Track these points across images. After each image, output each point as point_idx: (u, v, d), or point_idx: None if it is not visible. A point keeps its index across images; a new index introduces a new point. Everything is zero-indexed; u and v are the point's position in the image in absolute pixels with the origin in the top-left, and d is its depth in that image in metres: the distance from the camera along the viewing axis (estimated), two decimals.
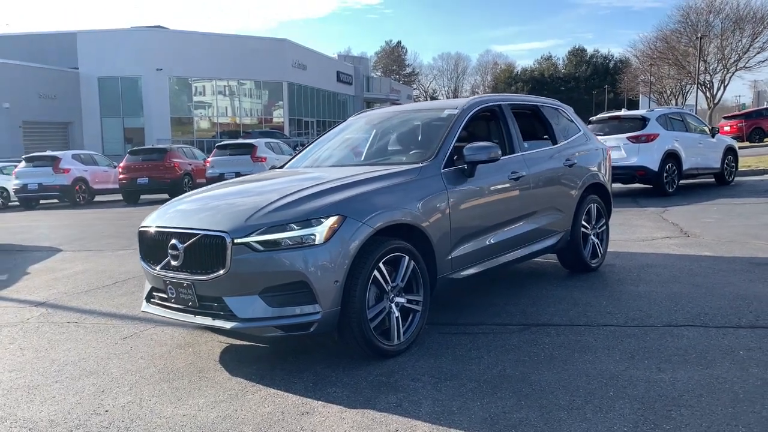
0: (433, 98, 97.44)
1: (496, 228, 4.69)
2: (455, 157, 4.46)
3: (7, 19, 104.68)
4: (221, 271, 3.47)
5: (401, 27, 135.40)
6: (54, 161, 18.02)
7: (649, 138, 11.67)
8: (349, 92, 53.59)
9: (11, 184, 18.30)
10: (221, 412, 3.13)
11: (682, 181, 12.46)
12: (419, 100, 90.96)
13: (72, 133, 37.04)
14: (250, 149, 17.42)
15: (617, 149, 11.79)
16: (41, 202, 18.89)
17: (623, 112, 12.94)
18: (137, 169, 17.77)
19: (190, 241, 3.61)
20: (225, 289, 3.51)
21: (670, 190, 11.81)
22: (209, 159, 17.93)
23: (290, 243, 3.45)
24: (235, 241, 3.44)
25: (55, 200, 19.05)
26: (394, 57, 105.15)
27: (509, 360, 3.66)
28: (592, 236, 5.84)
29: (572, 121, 6.11)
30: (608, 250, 6.61)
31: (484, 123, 5.32)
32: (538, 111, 5.71)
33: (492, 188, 4.67)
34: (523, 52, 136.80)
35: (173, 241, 3.69)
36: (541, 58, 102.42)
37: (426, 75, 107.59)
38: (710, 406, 2.93)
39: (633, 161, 11.64)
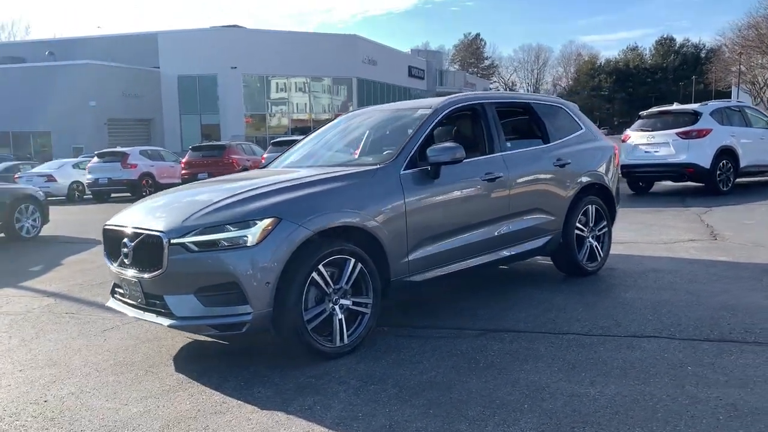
0: (511, 90, 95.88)
1: (466, 230, 4.59)
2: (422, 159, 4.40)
3: (99, 21, 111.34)
4: (159, 270, 3.59)
5: (482, 19, 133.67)
6: (122, 157, 19.01)
7: (701, 133, 11.04)
8: (421, 87, 53.48)
9: (85, 178, 19.44)
10: (144, 407, 3.25)
11: (741, 179, 11.73)
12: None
13: (153, 130, 38.90)
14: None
15: (666, 146, 11.27)
16: (113, 195, 19.96)
17: (675, 107, 12.28)
18: (198, 165, 18.54)
19: (137, 240, 3.76)
20: (164, 287, 3.63)
21: (725, 189, 11.13)
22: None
23: (226, 244, 3.53)
24: (172, 241, 3.55)
25: (128, 193, 20.04)
26: (472, 50, 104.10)
27: (446, 366, 3.59)
28: (590, 239, 5.62)
29: (574, 119, 5.88)
30: (620, 252, 6.39)
31: (465, 122, 5.21)
32: (529, 109, 5.54)
33: (460, 190, 4.58)
34: (611, 42, 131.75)
35: (125, 240, 3.85)
36: (627, 48, 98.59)
37: (506, 67, 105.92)
38: (620, 424, 2.78)
39: (682, 158, 11.05)
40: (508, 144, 5.16)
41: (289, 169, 4.96)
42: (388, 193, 4.13)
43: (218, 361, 3.91)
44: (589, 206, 5.60)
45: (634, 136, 11.93)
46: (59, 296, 5.99)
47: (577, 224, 5.49)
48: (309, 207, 3.75)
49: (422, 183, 4.34)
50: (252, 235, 3.52)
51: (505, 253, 4.94)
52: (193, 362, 3.92)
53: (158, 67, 38.73)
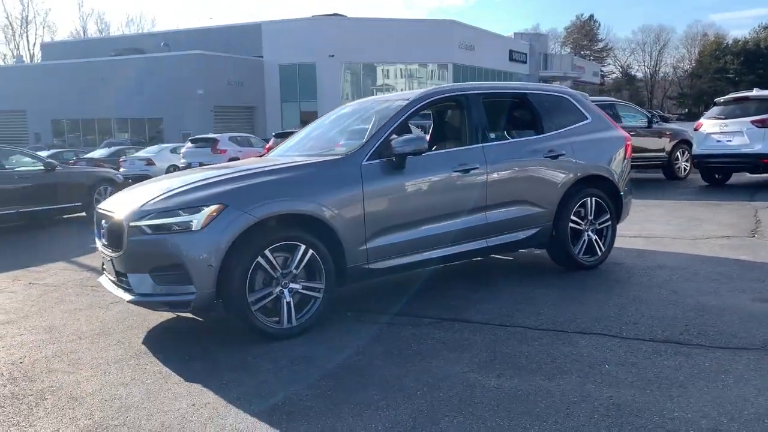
0: (626, 74, 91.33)
1: (433, 221, 4.65)
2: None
3: (211, 12, 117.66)
4: (121, 251, 3.97)
5: (598, 1, 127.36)
6: (213, 143, 20.16)
7: None
8: (523, 71, 52.21)
9: (180, 162, 20.81)
10: (92, 373, 3.63)
11: None
12: (608, 78, 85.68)
13: (256, 117, 40.69)
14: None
15: (739, 134, 10.54)
16: None
17: (754, 92, 11.38)
18: None
19: (109, 222, 4.16)
20: (127, 266, 4.01)
21: None
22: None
23: (176, 228, 3.84)
24: (130, 224, 3.91)
25: None
26: (584, 32, 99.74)
27: (376, 352, 3.73)
28: (589, 232, 5.48)
29: (579, 108, 5.71)
30: (639, 247, 6.22)
31: (447, 114, 5.24)
32: (523, 99, 5.46)
33: (427, 181, 4.64)
34: (743, 20, 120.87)
35: (102, 221, 4.27)
36: (759, 27, 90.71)
37: (622, 50, 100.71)
38: (492, 415, 2.82)
39: (757, 148, 10.28)
40: (492, 135, 5.14)
41: (275, 158, 5.21)
42: (345, 183, 4.28)
43: (184, 337, 4.26)
44: (588, 199, 5.45)
45: (707, 124, 11.21)
46: (97, 271, 6.61)
47: (573, 217, 5.37)
48: (257, 195, 3.99)
49: (385, 173, 4.45)
50: (197, 220, 3.80)
51: (484, 243, 4.95)
52: (162, 336, 4.29)
53: (261, 56, 40.38)
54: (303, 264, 4.07)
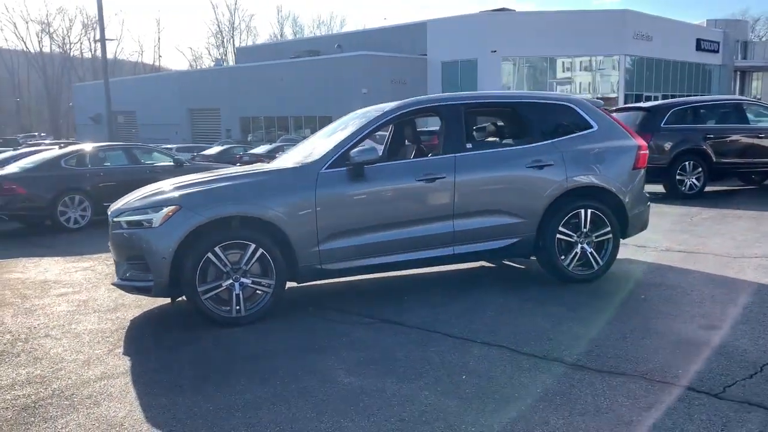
0: None
1: (392, 227, 4.89)
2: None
3: (385, 13, 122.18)
4: (110, 241, 4.78)
5: None
6: None
7: None
8: (714, 61, 47.52)
9: None
10: (55, 343, 4.44)
11: None
12: None
13: None
14: None
15: None
16: None
17: None
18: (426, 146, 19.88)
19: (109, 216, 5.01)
20: (114, 255, 4.82)
21: None
22: None
23: (144, 225, 4.55)
24: (113, 219, 4.70)
25: None
26: None
27: (288, 345, 4.13)
28: (583, 245, 5.34)
29: (584, 116, 5.54)
30: (660, 262, 6.07)
31: (410, 124, 5.38)
32: (513, 109, 5.45)
33: (387, 188, 4.90)
34: None
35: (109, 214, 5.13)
36: None
37: None
38: (305, 404, 3.13)
39: None
40: (469, 145, 5.23)
41: (259, 165, 5.75)
42: (299, 190, 4.72)
43: (155, 317, 4.97)
44: (582, 210, 5.31)
45: None
46: None
47: (562, 228, 5.28)
48: (210, 199, 4.58)
49: (343, 181, 4.81)
50: (156, 218, 4.48)
51: (451, 251, 5.08)
52: (143, 320, 5.04)
53: (425, 55, 41.28)
54: (253, 262, 4.58)
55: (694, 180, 10.77)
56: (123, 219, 4.64)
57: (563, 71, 40.96)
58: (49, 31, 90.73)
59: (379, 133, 5.94)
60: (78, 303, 5.47)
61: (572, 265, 5.34)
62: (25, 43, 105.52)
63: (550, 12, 41.65)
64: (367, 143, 4.84)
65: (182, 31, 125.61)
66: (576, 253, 5.34)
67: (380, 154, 4.75)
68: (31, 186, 10.09)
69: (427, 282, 5.70)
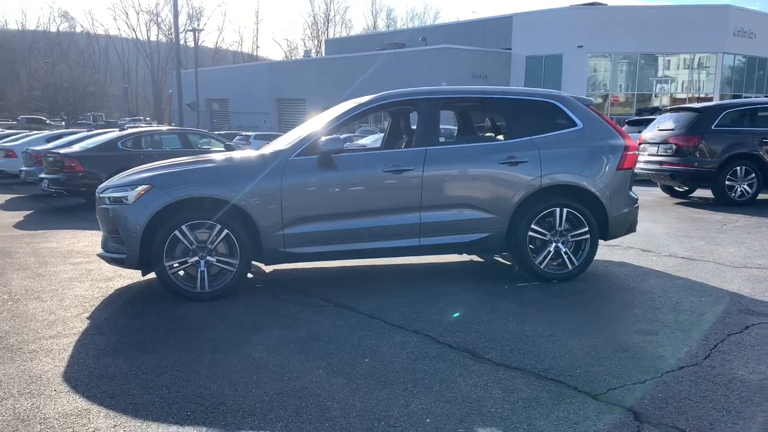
0: None
1: (357, 216, 5.02)
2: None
3: (473, 6, 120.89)
4: (96, 215, 5.20)
5: None
6: None
7: None
8: None
9: None
10: (44, 307, 4.90)
11: None
12: None
13: None
14: None
15: None
16: None
17: None
18: None
19: None
20: (101, 227, 5.22)
21: None
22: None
23: (123, 201, 4.92)
24: (99, 195, 5.11)
25: None
26: None
27: (232, 322, 4.33)
28: (557, 244, 5.29)
29: (568, 114, 5.44)
30: (657, 267, 5.88)
31: (400, 116, 5.46)
32: (491, 105, 5.43)
33: (353, 177, 5.03)
34: None
35: None
36: None
37: None
38: (217, 376, 3.36)
39: None
40: (442, 139, 5.27)
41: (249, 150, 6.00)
42: (266, 175, 4.94)
43: (139, 288, 5.35)
44: (557, 209, 5.25)
45: None
46: None
47: (534, 226, 5.24)
48: (180, 180, 4.88)
49: (311, 169, 4.99)
50: (131, 196, 4.84)
51: (417, 242, 5.16)
52: (127, 282, 5.44)
53: (509, 49, 40.61)
54: (218, 241, 4.86)
55: (745, 186, 10.19)
56: (106, 195, 5.04)
57: (665, 69, 39.02)
58: (157, 20, 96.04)
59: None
60: (83, 272, 5.96)
61: (545, 263, 5.29)
62: (135, 32, 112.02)
63: (646, 6, 39.94)
64: (336, 135, 4.99)
65: (279, 23, 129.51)
66: (549, 251, 5.28)
67: (340, 145, 4.88)
68: (89, 165, 10.89)
69: (408, 272, 5.80)
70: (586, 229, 5.30)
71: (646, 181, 11.86)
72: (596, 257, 6.07)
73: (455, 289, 5.10)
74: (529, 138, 5.32)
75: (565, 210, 5.26)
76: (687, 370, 3.36)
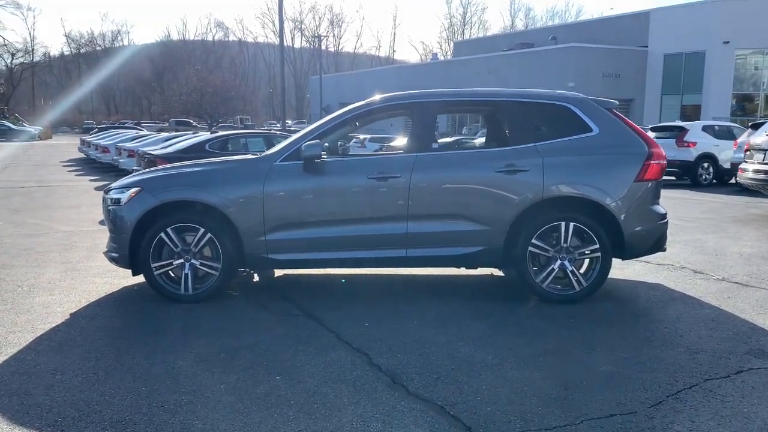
0: None
1: (341, 224, 4.83)
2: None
3: (612, 3, 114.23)
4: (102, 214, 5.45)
5: None
6: (679, 133, 16.31)
7: None
8: None
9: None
10: (41, 299, 5.19)
11: None
12: None
13: (632, 110, 38.61)
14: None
15: None
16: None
17: None
18: None
19: None
20: (107, 225, 5.46)
21: None
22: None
23: (119, 202, 5.10)
24: (104, 196, 5.34)
25: (672, 177, 15.73)
26: None
27: (190, 326, 4.32)
28: (563, 261, 4.80)
29: (582, 119, 4.90)
30: (662, 281, 5.24)
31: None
32: (494, 109, 5.03)
33: (337, 184, 4.86)
34: None
35: None
36: None
37: None
38: (121, 380, 3.37)
39: None
40: (435, 145, 4.94)
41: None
42: (249, 180, 4.90)
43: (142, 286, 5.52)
44: (562, 223, 4.75)
45: None
46: None
47: (535, 241, 4.78)
48: (167, 183, 4.97)
49: (293, 175, 4.89)
50: (124, 198, 5.00)
51: (403, 253, 4.89)
52: (136, 279, 5.63)
53: (646, 46, 37.95)
54: (201, 245, 4.89)
55: None
56: (108, 196, 5.25)
57: None
58: (301, 27, 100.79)
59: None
60: (104, 267, 6.23)
61: (547, 282, 4.80)
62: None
63: None
64: (318, 140, 4.84)
65: (417, 27, 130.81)
66: (552, 269, 4.79)
67: (319, 150, 4.72)
68: None
69: (410, 282, 5.53)
70: (597, 246, 4.75)
71: (755, 192, 10.51)
72: (631, 276, 5.50)
73: (436, 305, 4.76)
74: (532, 144, 4.85)
75: (571, 224, 4.74)
76: (615, 419, 2.86)
